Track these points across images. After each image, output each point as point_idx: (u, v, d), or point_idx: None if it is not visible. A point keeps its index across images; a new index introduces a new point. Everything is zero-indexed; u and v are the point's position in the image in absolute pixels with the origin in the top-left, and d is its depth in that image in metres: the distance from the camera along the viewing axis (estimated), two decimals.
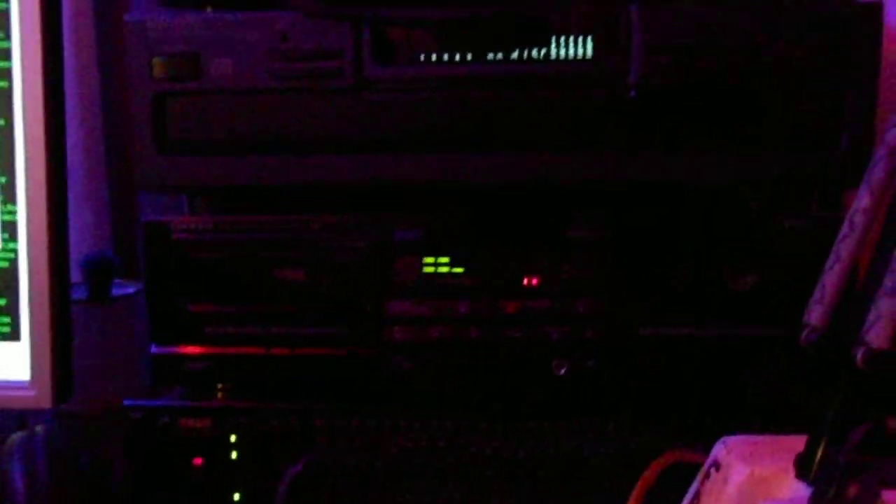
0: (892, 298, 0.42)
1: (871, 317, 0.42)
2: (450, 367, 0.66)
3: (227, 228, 0.65)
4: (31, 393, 0.67)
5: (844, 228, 0.46)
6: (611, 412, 0.64)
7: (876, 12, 0.61)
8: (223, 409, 0.66)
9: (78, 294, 0.86)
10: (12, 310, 0.67)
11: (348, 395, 0.66)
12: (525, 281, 0.65)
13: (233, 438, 0.66)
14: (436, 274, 0.65)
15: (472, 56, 0.63)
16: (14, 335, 0.67)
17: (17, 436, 0.58)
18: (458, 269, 0.65)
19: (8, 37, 0.66)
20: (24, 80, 0.66)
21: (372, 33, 0.62)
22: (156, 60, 0.63)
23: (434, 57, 0.63)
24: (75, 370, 0.70)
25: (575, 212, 0.65)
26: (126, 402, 0.67)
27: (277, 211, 0.66)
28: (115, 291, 0.93)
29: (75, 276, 0.82)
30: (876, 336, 0.42)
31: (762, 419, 0.61)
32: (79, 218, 1.00)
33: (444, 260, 0.65)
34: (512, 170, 0.64)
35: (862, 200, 0.46)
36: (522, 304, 0.65)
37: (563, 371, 0.65)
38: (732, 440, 0.55)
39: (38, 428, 0.58)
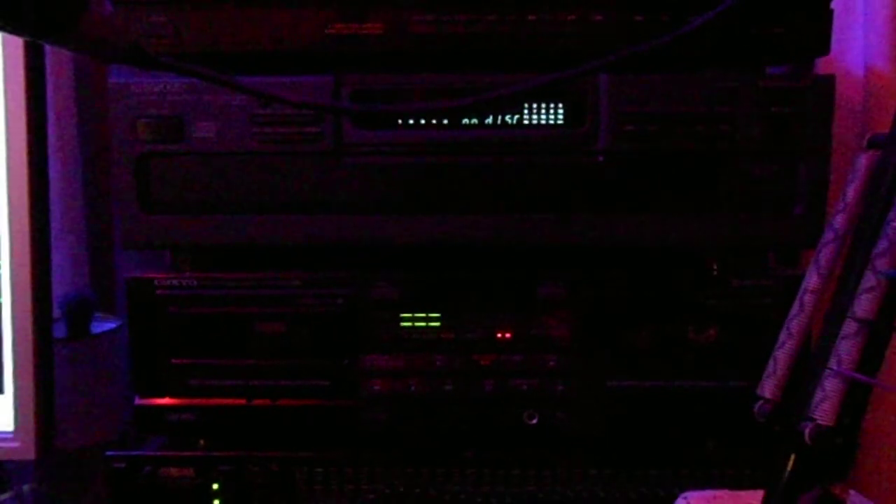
0: (837, 379, 0.45)
1: (818, 395, 0.46)
2: (425, 418, 0.68)
3: (209, 285, 0.67)
4: (15, 444, 0.68)
5: (795, 307, 0.50)
6: (579, 461, 0.67)
7: (829, 85, 0.65)
8: (205, 459, 0.68)
9: (58, 331, 0.87)
10: None
11: (327, 444, 0.68)
12: (498, 336, 0.67)
13: (215, 487, 0.68)
14: (412, 329, 0.68)
15: (448, 121, 0.66)
16: None
17: (4, 497, 0.59)
18: (434, 325, 0.67)
19: None
20: (7, 140, 0.67)
21: (352, 99, 0.65)
22: (140, 122, 0.65)
23: (411, 122, 0.66)
24: (57, 407, 0.72)
25: (546, 270, 0.67)
26: (109, 452, 0.68)
27: (258, 267, 0.68)
28: (96, 327, 0.94)
29: (54, 311, 0.83)
30: (822, 414, 0.45)
31: (720, 471, 0.64)
32: (57, 251, 1.01)
33: (421, 315, 0.67)
34: (486, 230, 0.66)
35: (810, 281, 0.49)
36: (495, 358, 0.67)
37: (533, 421, 0.68)
38: (693, 495, 0.58)
39: (25, 487, 0.59)
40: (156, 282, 0.67)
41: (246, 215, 0.66)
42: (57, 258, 1.00)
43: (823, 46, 0.65)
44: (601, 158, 0.65)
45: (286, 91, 0.64)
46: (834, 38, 0.66)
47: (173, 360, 0.68)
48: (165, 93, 0.64)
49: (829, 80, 0.65)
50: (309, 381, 0.68)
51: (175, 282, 0.67)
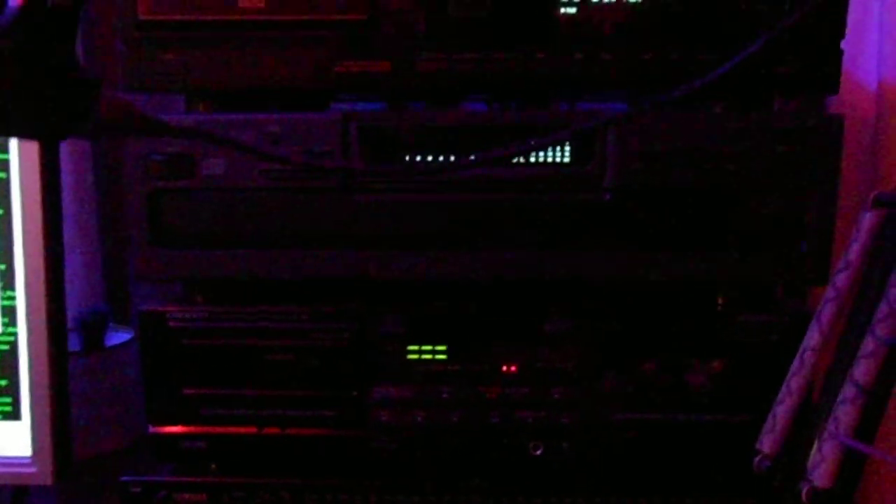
0: (834, 441, 0.46)
1: (815, 457, 0.46)
2: (432, 448, 0.69)
3: (220, 317, 0.68)
4: (33, 470, 0.70)
5: (795, 364, 0.50)
6: (583, 491, 0.68)
7: (837, 124, 0.64)
8: (218, 485, 0.70)
9: (72, 344, 0.89)
10: (13, 390, 0.70)
11: (336, 472, 0.70)
12: (504, 369, 0.68)
13: None
14: (419, 361, 0.69)
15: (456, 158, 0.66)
16: (15, 415, 0.70)
17: None
18: (441, 357, 0.68)
19: None
20: (21, 171, 0.68)
21: (360, 136, 0.65)
22: (151, 160, 0.65)
23: (418, 160, 0.66)
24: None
25: (552, 305, 0.68)
26: (125, 478, 0.70)
27: (269, 300, 0.69)
28: (109, 338, 0.96)
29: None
30: (820, 476, 0.46)
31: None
32: (70, 262, 1.02)
33: (428, 348, 0.68)
34: (492, 266, 0.67)
35: (812, 339, 0.50)
36: (501, 390, 0.68)
37: (538, 452, 0.69)
38: None
39: None
40: (168, 314, 0.68)
41: (255, 250, 0.67)
42: (70, 267, 1.02)
43: (833, 85, 0.65)
44: (608, 196, 0.66)
45: (294, 128, 0.65)
46: (846, 50, 0.65)
47: (186, 390, 0.69)
48: None
49: (838, 120, 0.64)
50: (318, 411, 0.69)
51: (187, 314, 0.68)
